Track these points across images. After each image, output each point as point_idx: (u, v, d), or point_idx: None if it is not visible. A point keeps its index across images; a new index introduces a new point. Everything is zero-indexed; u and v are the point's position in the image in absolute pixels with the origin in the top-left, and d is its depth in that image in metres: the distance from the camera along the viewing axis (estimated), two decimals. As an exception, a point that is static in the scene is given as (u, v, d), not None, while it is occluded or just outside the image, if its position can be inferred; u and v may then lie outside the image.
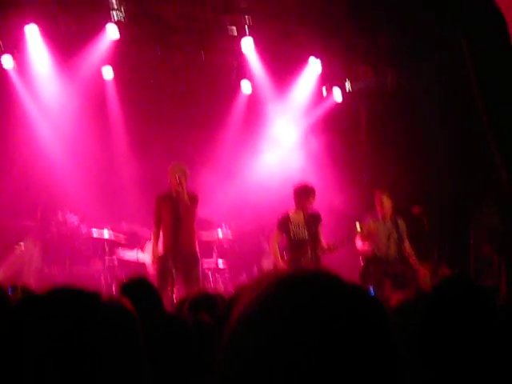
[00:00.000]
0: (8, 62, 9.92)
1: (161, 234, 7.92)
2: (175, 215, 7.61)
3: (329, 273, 1.12)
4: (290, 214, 8.30)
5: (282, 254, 8.21)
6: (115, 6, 9.65)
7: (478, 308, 1.97)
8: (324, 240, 8.21)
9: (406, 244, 8.34)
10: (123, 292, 3.78)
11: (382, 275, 8.02)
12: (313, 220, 8.20)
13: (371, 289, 6.43)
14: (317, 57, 10.41)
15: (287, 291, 1.08)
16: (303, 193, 8.15)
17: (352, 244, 8.27)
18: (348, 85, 10.79)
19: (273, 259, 8.40)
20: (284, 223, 8.26)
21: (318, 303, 1.04)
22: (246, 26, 10.03)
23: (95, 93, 10.74)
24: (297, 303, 1.04)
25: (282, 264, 8.05)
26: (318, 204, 8.42)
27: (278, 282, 1.10)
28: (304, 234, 8.12)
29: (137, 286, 3.91)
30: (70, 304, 1.56)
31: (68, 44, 10.08)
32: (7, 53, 9.89)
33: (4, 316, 1.84)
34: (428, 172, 9.72)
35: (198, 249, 7.96)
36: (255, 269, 10.42)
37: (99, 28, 9.84)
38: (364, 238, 8.27)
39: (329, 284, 1.10)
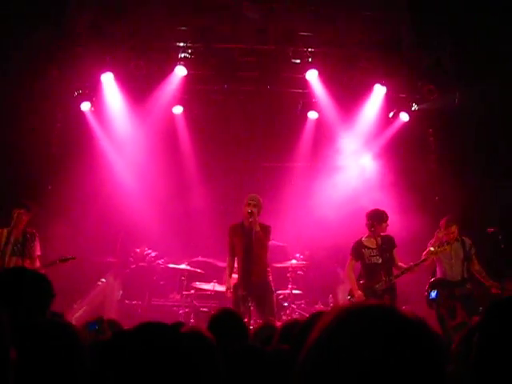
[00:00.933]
0: (86, 106, 10.52)
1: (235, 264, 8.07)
2: (247, 245, 7.71)
3: (385, 305, 1.29)
4: (363, 239, 8.29)
5: (357, 280, 8.19)
6: (182, 45, 10.06)
7: None
8: (401, 263, 8.13)
9: (475, 263, 8.14)
10: (212, 323, 3.90)
11: (449, 299, 7.87)
12: (387, 244, 8.15)
13: (434, 293, 6.27)
14: (381, 82, 10.40)
15: (345, 322, 1.25)
16: (376, 218, 8.12)
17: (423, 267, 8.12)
18: (414, 106, 10.70)
19: (349, 286, 8.36)
20: (357, 249, 8.25)
21: (369, 332, 1.21)
22: (310, 58, 10.18)
23: (167, 130, 11.18)
24: (352, 332, 1.22)
25: (356, 289, 8.02)
26: (390, 227, 8.35)
27: (340, 312, 1.27)
28: (378, 259, 8.08)
29: (224, 317, 4.03)
30: (156, 335, 1.69)
31: (140, 86, 10.55)
32: (85, 99, 10.47)
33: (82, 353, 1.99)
34: (500, 189, 9.47)
35: (271, 278, 8.00)
36: (330, 296, 10.36)
37: (168, 69, 10.28)
38: (431, 261, 8.15)
39: (381, 315, 1.26)
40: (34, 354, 1.94)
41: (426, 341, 1.23)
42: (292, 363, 1.33)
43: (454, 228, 8.14)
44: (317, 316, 2.84)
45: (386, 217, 8.14)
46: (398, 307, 1.32)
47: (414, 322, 1.25)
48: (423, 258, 8.02)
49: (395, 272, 8.07)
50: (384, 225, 8.14)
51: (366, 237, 8.28)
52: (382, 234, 8.17)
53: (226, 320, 3.91)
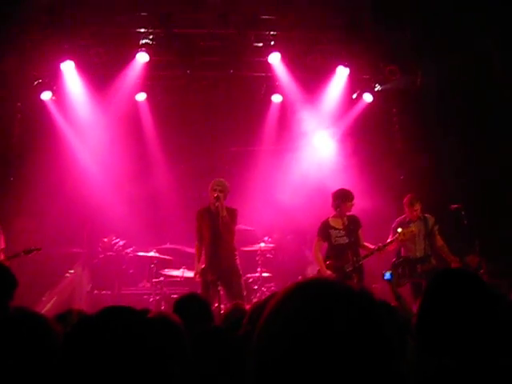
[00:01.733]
0: (47, 95, 10.34)
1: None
2: (214, 230, 7.73)
3: (331, 279, 1.32)
4: (330, 220, 8.34)
5: (324, 260, 8.26)
6: (143, 31, 9.95)
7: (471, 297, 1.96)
8: (366, 243, 8.22)
9: (438, 239, 8.29)
10: (176, 308, 3.91)
11: (413, 276, 8.03)
12: (353, 224, 8.22)
13: (388, 274, 6.42)
14: (344, 63, 10.45)
15: (290, 296, 1.29)
16: (342, 198, 8.17)
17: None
18: (377, 87, 10.79)
19: (317, 266, 8.43)
20: (324, 230, 8.31)
21: (309, 303, 1.24)
22: (272, 41, 10.17)
23: (130, 117, 11.06)
24: (294, 304, 1.25)
25: (325, 270, 8.10)
26: (356, 207, 8.42)
27: (288, 288, 1.31)
28: (345, 239, 8.16)
29: (189, 301, 4.04)
30: (120, 321, 1.68)
31: (101, 74, 10.40)
32: (46, 88, 10.29)
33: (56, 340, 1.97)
34: (462, 167, 9.65)
35: (238, 262, 8.03)
36: (300, 278, 10.44)
37: (129, 55, 10.15)
38: (398, 243, 8.27)
39: (324, 287, 1.29)
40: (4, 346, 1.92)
41: (365, 311, 1.24)
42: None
43: (417, 206, 8.26)
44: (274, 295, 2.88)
45: (351, 196, 8.18)
46: (365, 286, 1.35)
47: (356, 293, 1.27)
48: (391, 239, 8.13)
49: (362, 252, 8.16)
50: (349, 204, 8.17)
51: (333, 217, 8.33)
52: (347, 213, 8.24)
53: (190, 303, 3.92)
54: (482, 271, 7.80)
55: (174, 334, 1.91)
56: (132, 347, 1.61)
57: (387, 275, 6.55)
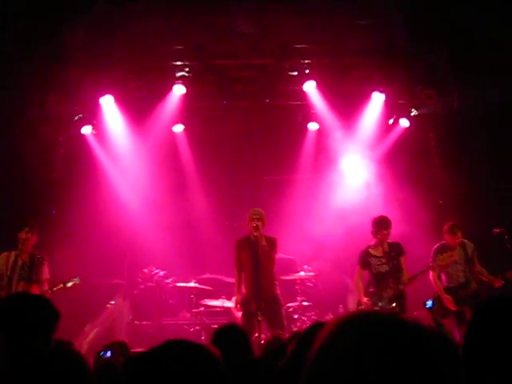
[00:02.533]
0: (87, 129, 10.57)
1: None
2: (255, 259, 7.71)
3: (383, 311, 1.27)
4: (370, 248, 8.27)
5: (366, 288, 8.17)
6: (179, 63, 10.13)
7: None
8: (408, 271, 8.09)
9: (476, 265, 8.15)
10: (215, 338, 3.90)
11: (457, 304, 7.85)
12: (394, 251, 8.13)
13: (430, 302, 6.30)
14: (379, 89, 10.41)
15: (341, 330, 1.23)
16: (379, 225, 8.11)
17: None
18: (414, 111, 10.71)
19: (357, 295, 8.34)
20: (364, 258, 8.24)
21: (363, 338, 1.18)
22: (307, 69, 10.22)
23: (168, 148, 11.23)
24: (346, 339, 1.20)
25: (364, 300, 8.00)
26: (395, 235, 8.33)
27: (338, 321, 1.26)
28: (385, 267, 8.06)
29: (228, 332, 4.02)
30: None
31: (140, 106, 10.61)
32: (86, 123, 10.53)
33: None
34: (503, 190, 9.46)
35: (279, 292, 7.98)
36: (341, 307, 10.32)
37: (166, 88, 10.34)
38: (433, 270, 8.13)
39: (376, 321, 1.23)
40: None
41: (423, 343, 1.19)
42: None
43: (459, 234, 8.14)
44: (317, 326, 2.84)
45: (389, 223, 8.10)
46: (405, 314, 1.30)
47: (410, 326, 1.22)
48: (430, 265, 8.00)
49: (403, 280, 8.05)
50: (385, 232, 8.11)
51: (373, 245, 8.27)
52: (388, 241, 8.16)
53: (229, 334, 3.90)
54: None
55: (214, 366, 1.89)
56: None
57: (429, 304, 6.45)
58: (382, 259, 8.12)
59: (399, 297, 7.95)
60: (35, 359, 2.00)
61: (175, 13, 9.88)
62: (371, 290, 8.13)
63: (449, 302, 7.93)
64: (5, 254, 7.82)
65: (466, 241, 8.22)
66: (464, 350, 1.92)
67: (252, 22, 9.82)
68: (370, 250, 8.26)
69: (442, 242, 8.31)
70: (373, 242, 8.27)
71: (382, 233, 8.09)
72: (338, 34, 10.04)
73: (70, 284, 7.89)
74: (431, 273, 8.15)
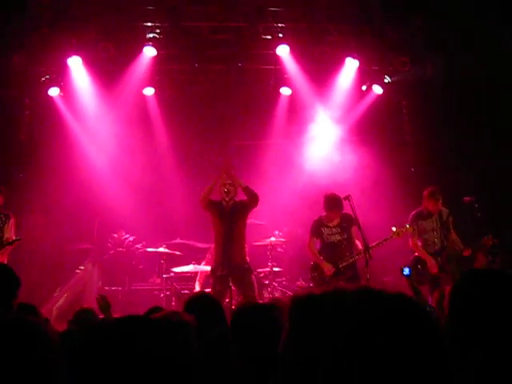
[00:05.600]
0: (54, 91, 10.30)
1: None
2: (225, 225, 7.68)
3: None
4: (323, 218, 8.36)
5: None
6: (150, 25, 9.88)
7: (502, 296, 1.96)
8: (357, 240, 8.16)
9: (451, 232, 8.24)
10: (187, 308, 3.84)
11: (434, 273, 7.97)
12: (346, 222, 8.22)
13: (407, 269, 6.37)
14: (353, 55, 10.33)
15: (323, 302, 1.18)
16: (328, 204, 8.22)
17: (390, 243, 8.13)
18: (387, 79, 10.67)
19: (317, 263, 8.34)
20: (317, 228, 8.35)
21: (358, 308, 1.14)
22: (280, 33, 10.07)
23: (138, 111, 11.01)
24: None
25: (326, 264, 8.07)
26: (367, 201, 8.37)
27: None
28: (337, 237, 8.22)
29: (199, 300, 3.97)
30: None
31: (109, 68, 10.36)
32: (53, 84, 10.25)
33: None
34: (475, 158, 9.55)
35: (248, 258, 7.97)
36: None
37: (137, 50, 10.10)
38: (414, 239, 8.20)
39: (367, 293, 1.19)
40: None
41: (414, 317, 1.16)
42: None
43: (440, 200, 8.18)
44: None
45: (338, 203, 8.09)
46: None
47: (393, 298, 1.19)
48: (387, 237, 8.04)
49: (354, 249, 8.17)
50: (335, 211, 8.19)
51: (326, 215, 8.34)
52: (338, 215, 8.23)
53: (200, 304, 3.84)
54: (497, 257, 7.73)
55: (186, 335, 1.84)
56: (143, 353, 1.57)
57: (406, 271, 6.50)
58: (334, 229, 8.26)
59: (352, 266, 8.13)
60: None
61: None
62: (322, 257, 8.24)
63: (433, 266, 8.01)
64: None
65: (442, 207, 8.28)
66: (449, 321, 1.94)
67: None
68: (323, 220, 8.36)
69: (420, 207, 8.36)
70: (325, 212, 8.35)
71: (331, 211, 8.21)
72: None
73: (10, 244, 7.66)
74: (411, 239, 8.22)
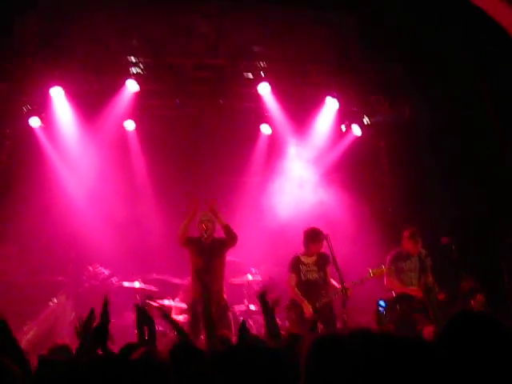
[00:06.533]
0: (35, 122, 10.27)
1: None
2: (204, 262, 7.66)
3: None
4: (300, 255, 8.34)
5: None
6: (133, 60, 9.96)
7: (492, 342, 1.96)
8: (332, 280, 8.17)
9: (429, 275, 8.26)
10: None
11: (411, 311, 7.95)
12: (322, 260, 8.22)
13: (383, 302, 6.39)
14: (333, 95, 10.51)
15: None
16: (312, 238, 8.19)
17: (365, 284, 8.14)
18: (366, 120, 10.84)
19: (298, 302, 8.27)
20: (296, 264, 8.30)
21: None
22: (262, 72, 10.22)
23: (119, 146, 11.02)
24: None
25: (309, 307, 8.01)
26: (344, 240, 8.40)
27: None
28: (314, 275, 8.19)
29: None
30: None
31: (91, 101, 10.38)
32: (35, 115, 10.23)
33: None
34: (452, 200, 9.67)
35: (226, 295, 7.93)
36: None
37: (119, 83, 10.15)
38: (390, 277, 8.24)
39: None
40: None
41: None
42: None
43: (420, 241, 8.24)
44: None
45: (321, 237, 8.02)
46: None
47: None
48: (363, 277, 8.05)
49: (329, 289, 8.16)
50: (318, 244, 8.17)
51: (303, 252, 8.36)
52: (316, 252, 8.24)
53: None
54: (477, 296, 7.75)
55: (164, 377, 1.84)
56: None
57: (382, 303, 6.53)
58: (312, 266, 8.24)
59: (329, 306, 8.09)
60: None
61: (132, 7, 9.74)
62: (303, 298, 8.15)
63: (416, 291, 8.02)
64: None
65: (421, 249, 8.33)
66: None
67: (210, 22, 9.77)
68: (301, 257, 8.35)
69: (398, 248, 8.40)
70: (302, 250, 8.36)
71: (314, 245, 8.19)
72: (296, 40, 10.11)
73: None
74: (387, 278, 8.24)
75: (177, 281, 10.09)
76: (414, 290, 8.09)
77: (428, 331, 7.23)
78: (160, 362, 1.87)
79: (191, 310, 7.69)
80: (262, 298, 4.67)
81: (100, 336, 3.70)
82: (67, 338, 8.70)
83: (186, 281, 9.48)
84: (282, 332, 9.06)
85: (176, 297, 9.55)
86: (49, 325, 9.75)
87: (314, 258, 8.27)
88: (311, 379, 1.67)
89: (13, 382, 1.85)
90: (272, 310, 4.60)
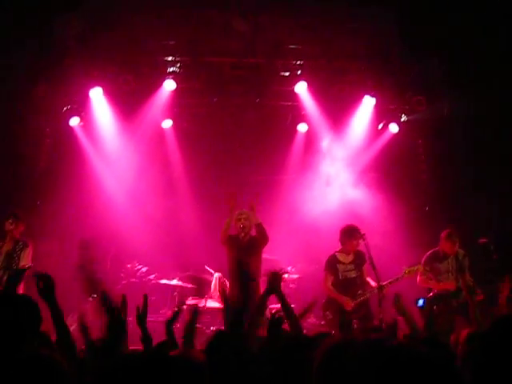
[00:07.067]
0: (75, 121, 10.48)
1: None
2: (241, 260, 7.68)
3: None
4: (337, 254, 8.32)
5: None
6: (171, 59, 10.06)
7: None
8: (368, 278, 8.15)
9: (466, 275, 8.09)
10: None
11: (448, 312, 7.85)
12: (359, 259, 8.21)
13: (421, 301, 6.31)
14: (370, 94, 10.43)
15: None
16: (349, 235, 8.16)
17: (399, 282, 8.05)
18: (403, 117, 10.73)
19: (335, 299, 8.25)
20: (332, 264, 8.29)
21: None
22: (299, 71, 10.20)
23: (156, 144, 11.14)
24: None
25: (347, 302, 7.99)
26: (380, 239, 8.33)
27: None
28: (352, 273, 8.18)
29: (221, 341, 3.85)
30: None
31: (129, 100, 10.52)
32: (74, 114, 10.44)
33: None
34: (490, 199, 9.49)
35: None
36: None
37: (157, 83, 10.27)
38: (423, 276, 8.16)
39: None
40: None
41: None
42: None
43: (458, 242, 8.14)
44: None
45: (358, 234, 8.01)
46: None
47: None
48: (399, 276, 7.98)
49: (365, 287, 8.14)
50: (355, 242, 8.15)
51: (340, 251, 8.33)
52: (354, 249, 8.21)
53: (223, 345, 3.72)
54: None
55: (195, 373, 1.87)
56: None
57: (420, 302, 6.47)
58: (349, 266, 8.22)
59: (366, 304, 8.08)
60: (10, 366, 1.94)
61: (170, 7, 9.82)
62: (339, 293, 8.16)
63: (451, 286, 7.95)
64: None
65: (458, 249, 8.24)
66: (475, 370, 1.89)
67: (247, 20, 9.78)
68: (338, 256, 8.32)
69: (436, 248, 8.31)
70: (339, 248, 8.33)
71: (351, 242, 8.16)
72: (333, 37, 10.07)
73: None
74: (420, 277, 8.16)
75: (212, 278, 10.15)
76: (448, 284, 7.98)
77: (465, 333, 7.12)
78: (198, 360, 1.89)
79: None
80: (275, 288, 4.57)
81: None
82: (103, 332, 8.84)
83: (215, 278, 9.47)
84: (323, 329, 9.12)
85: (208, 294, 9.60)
86: (89, 320, 9.91)
87: (351, 257, 8.25)
88: None
89: (62, 379, 1.89)
90: (286, 302, 4.52)
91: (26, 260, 7.79)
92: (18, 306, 2.87)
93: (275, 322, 3.96)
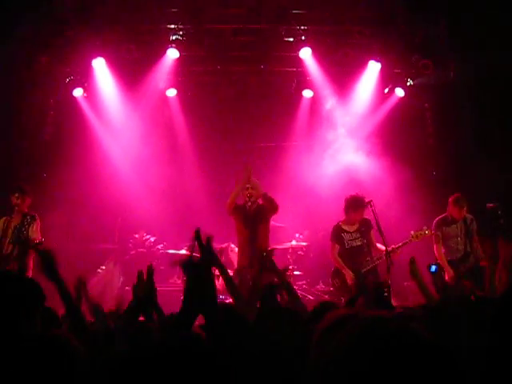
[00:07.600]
0: (78, 92, 10.42)
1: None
2: (249, 228, 7.70)
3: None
4: (342, 223, 8.33)
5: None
6: (173, 27, 9.94)
7: None
8: (378, 244, 8.13)
9: (474, 240, 8.14)
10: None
11: (459, 277, 7.87)
12: (365, 226, 8.22)
13: (434, 266, 6.31)
14: (376, 58, 10.29)
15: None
16: (353, 206, 8.13)
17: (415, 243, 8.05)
18: (409, 82, 10.61)
19: (341, 269, 8.27)
20: (337, 234, 8.30)
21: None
22: (303, 36, 10.07)
23: (161, 112, 11.12)
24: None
25: (350, 273, 8.03)
26: (387, 205, 8.31)
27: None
28: (357, 242, 8.19)
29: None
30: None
31: (132, 70, 10.44)
32: (78, 85, 10.38)
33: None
34: (498, 164, 9.41)
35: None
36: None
37: (160, 51, 10.16)
38: (437, 243, 8.15)
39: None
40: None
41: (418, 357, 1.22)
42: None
43: (466, 207, 8.11)
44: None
45: (363, 204, 8.03)
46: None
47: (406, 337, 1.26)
48: (406, 240, 7.97)
49: (374, 253, 8.15)
50: (360, 212, 8.14)
51: (344, 221, 8.32)
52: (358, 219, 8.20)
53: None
54: None
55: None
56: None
57: (433, 268, 6.48)
58: (354, 234, 8.24)
59: (374, 271, 8.10)
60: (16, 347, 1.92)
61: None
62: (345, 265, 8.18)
63: (450, 277, 7.96)
64: (2, 218, 7.79)
65: (466, 214, 8.22)
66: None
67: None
68: (342, 226, 8.34)
69: (445, 214, 8.29)
70: (343, 218, 8.31)
71: (355, 213, 8.14)
72: (337, 1, 9.89)
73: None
74: (436, 245, 8.19)
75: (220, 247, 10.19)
76: (449, 274, 7.98)
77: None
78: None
79: (238, 277, 7.73)
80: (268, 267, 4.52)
81: (145, 305, 3.71)
82: (115, 303, 8.92)
83: (224, 247, 9.49)
84: (326, 296, 9.18)
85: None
86: (98, 291, 10.00)
87: (356, 226, 8.25)
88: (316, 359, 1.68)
89: (74, 361, 1.89)
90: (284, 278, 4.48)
91: (35, 234, 7.80)
92: (11, 282, 2.84)
93: (268, 293, 3.90)
